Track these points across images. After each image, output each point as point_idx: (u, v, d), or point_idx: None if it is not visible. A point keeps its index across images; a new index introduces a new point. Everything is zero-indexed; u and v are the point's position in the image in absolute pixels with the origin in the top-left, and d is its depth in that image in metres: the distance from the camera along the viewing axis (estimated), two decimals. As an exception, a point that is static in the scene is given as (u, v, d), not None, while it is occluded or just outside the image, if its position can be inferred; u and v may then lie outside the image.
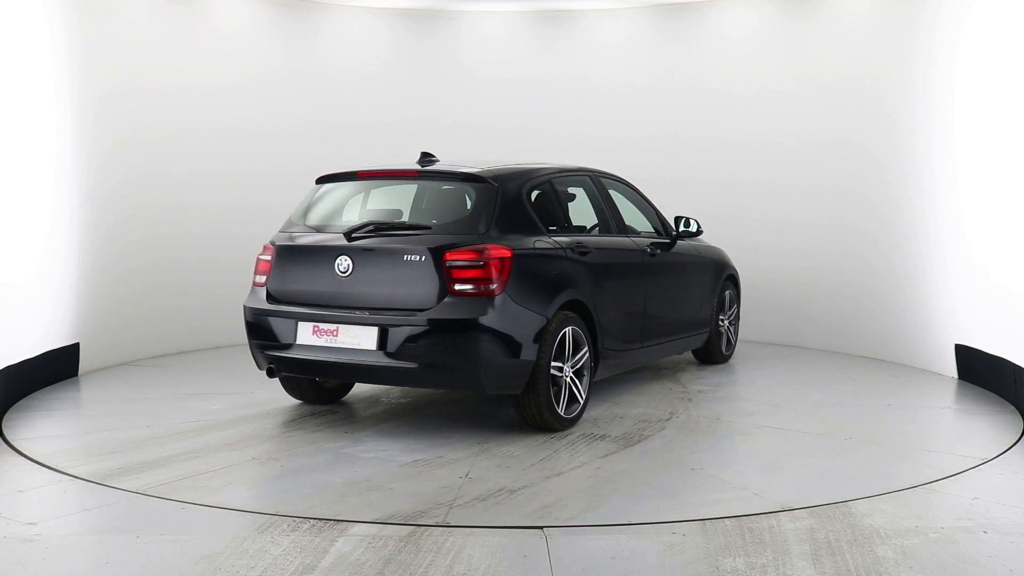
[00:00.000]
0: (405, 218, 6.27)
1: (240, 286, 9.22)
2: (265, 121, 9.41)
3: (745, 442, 5.86)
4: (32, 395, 6.82)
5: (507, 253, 5.68)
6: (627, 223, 7.18)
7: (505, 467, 5.24)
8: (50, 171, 7.15)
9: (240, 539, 4.10)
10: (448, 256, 5.61)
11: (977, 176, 7.10)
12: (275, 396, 6.83)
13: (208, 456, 5.41)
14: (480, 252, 5.62)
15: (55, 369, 7.23)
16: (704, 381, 7.72)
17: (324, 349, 5.78)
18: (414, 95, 10.12)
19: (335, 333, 5.76)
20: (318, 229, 6.20)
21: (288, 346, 5.92)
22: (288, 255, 6.11)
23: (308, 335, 5.84)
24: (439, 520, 4.35)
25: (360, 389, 7.06)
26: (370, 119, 9.95)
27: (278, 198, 9.49)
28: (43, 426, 6.10)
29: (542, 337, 5.76)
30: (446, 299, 5.57)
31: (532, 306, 5.74)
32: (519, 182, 6.15)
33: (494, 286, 5.59)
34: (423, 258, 5.64)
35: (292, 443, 5.72)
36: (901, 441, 5.84)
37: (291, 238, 6.20)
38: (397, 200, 6.71)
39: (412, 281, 5.66)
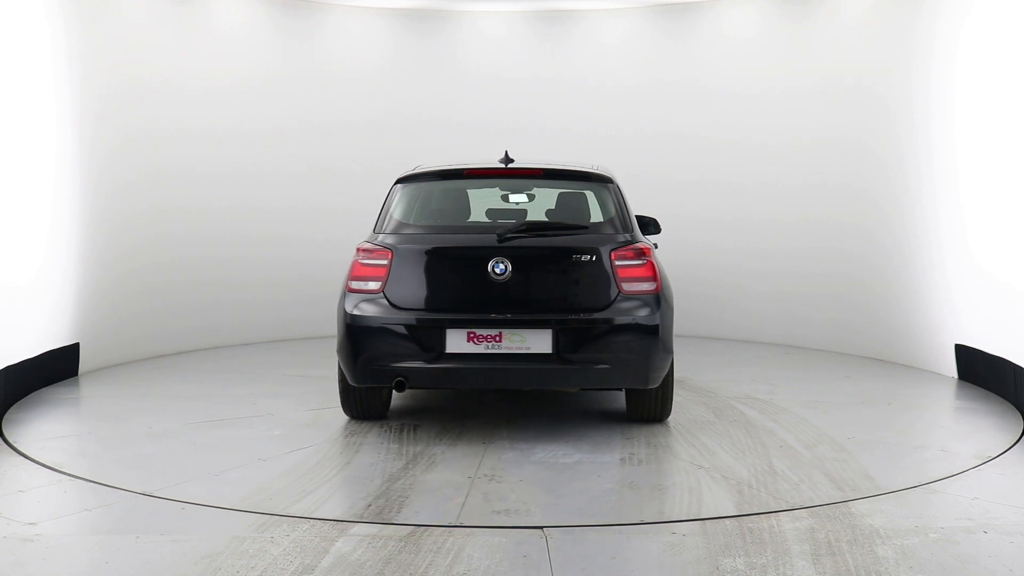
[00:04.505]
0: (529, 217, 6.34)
1: (240, 285, 9.26)
2: (265, 121, 9.41)
3: (832, 415, 6.38)
4: (32, 395, 6.81)
5: (650, 251, 5.82)
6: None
7: (713, 454, 5.47)
8: (50, 171, 7.15)
9: (240, 539, 4.10)
10: (615, 255, 5.64)
11: (977, 175, 7.10)
12: (304, 415, 6.36)
13: (417, 484, 4.92)
14: (641, 251, 5.72)
15: (55, 369, 7.22)
16: None
17: (484, 356, 5.51)
18: (414, 95, 10.12)
19: (498, 339, 5.52)
20: (445, 230, 6.06)
21: (435, 356, 5.54)
22: (417, 258, 5.71)
23: (461, 343, 5.52)
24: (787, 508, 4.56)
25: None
26: (370, 119, 9.94)
27: (278, 198, 9.52)
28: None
29: (673, 331, 5.90)
30: (618, 298, 5.61)
31: (670, 301, 5.85)
32: (617, 181, 6.25)
33: (655, 284, 5.70)
34: (594, 258, 5.63)
35: (455, 458, 5.36)
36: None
37: (415, 240, 5.81)
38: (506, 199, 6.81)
39: (583, 282, 5.64)
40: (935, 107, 7.66)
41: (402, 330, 5.60)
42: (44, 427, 6.07)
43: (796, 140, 9.19)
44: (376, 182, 9.66)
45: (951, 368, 7.57)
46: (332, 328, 9.54)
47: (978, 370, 7.21)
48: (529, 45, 10.24)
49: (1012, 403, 6.61)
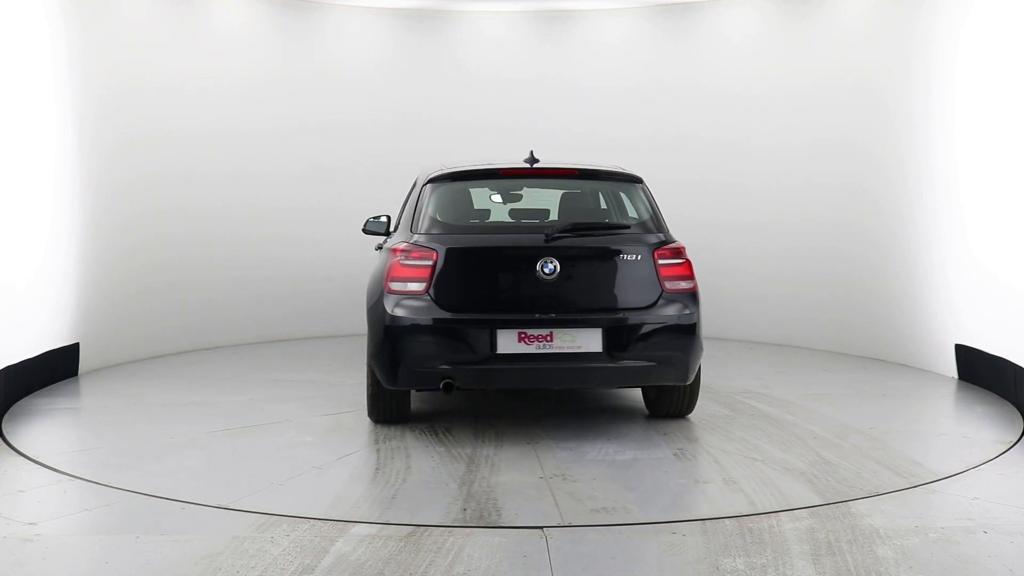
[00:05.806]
0: (554, 217, 6.36)
1: (240, 285, 9.26)
2: (265, 121, 9.41)
3: (842, 408, 6.57)
4: (32, 395, 6.81)
5: (685, 250, 5.89)
6: None
7: (757, 447, 5.56)
8: (50, 171, 7.15)
9: (240, 539, 4.10)
10: (657, 254, 5.72)
11: (977, 175, 7.10)
12: (323, 420, 6.21)
13: (496, 486, 4.86)
14: (679, 250, 5.81)
15: (55, 369, 7.22)
16: None
17: (536, 356, 5.50)
18: (414, 95, 10.12)
19: (549, 338, 5.51)
20: (488, 229, 6.10)
21: (485, 357, 5.49)
22: (464, 259, 5.67)
23: (512, 343, 5.49)
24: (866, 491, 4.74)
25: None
26: (370, 119, 9.95)
27: (278, 198, 9.53)
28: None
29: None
30: (662, 296, 5.68)
31: (700, 299, 5.89)
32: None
33: (693, 282, 5.80)
34: (639, 257, 5.70)
35: (512, 459, 5.33)
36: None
37: (461, 240, 5.74)
38: (543, 199, 6.82)
39: (629, 281, 5.71)
40: (935, 107, 7.66)
41: (450, 331, 5.53)
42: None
43: (796, 140, 9.19)
44: (376, 182, 9.70)
45: (951, 368, 7.57)
46: (332, 329, 9.73)
47: (978, 370, 7.21)
48: (529, 45, 10.25)
49: (1012, 403, 6.61)
